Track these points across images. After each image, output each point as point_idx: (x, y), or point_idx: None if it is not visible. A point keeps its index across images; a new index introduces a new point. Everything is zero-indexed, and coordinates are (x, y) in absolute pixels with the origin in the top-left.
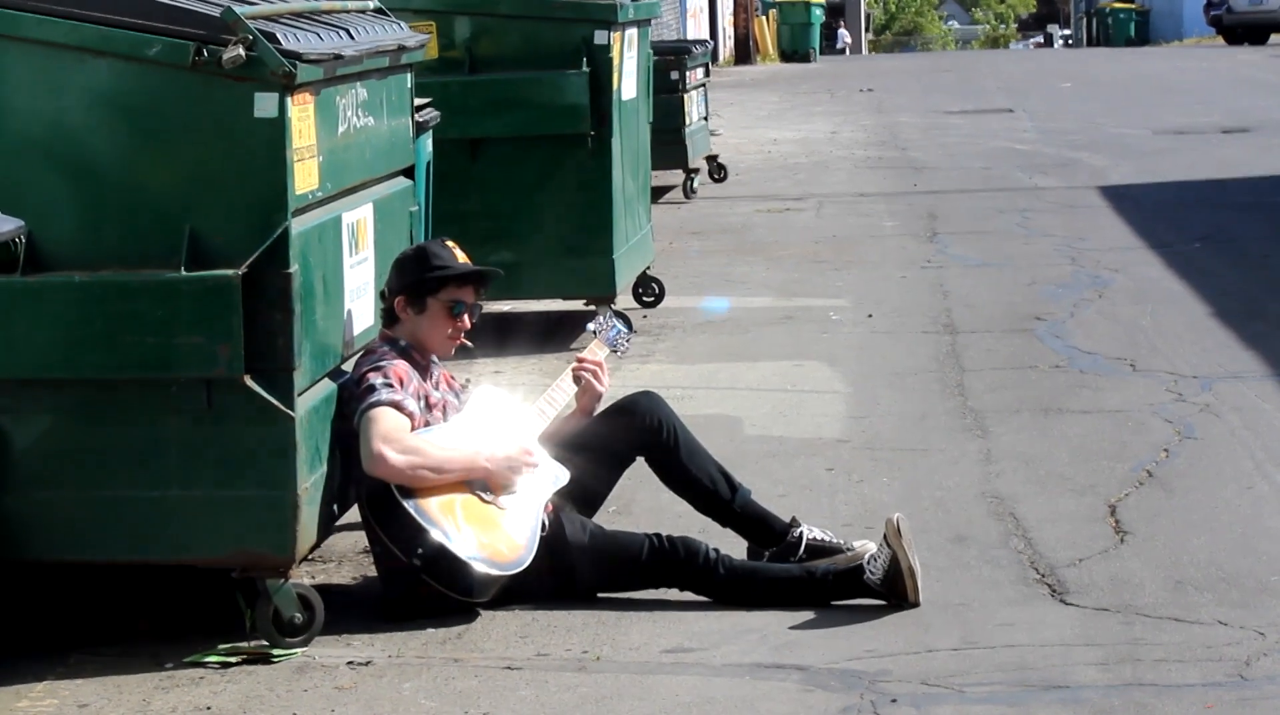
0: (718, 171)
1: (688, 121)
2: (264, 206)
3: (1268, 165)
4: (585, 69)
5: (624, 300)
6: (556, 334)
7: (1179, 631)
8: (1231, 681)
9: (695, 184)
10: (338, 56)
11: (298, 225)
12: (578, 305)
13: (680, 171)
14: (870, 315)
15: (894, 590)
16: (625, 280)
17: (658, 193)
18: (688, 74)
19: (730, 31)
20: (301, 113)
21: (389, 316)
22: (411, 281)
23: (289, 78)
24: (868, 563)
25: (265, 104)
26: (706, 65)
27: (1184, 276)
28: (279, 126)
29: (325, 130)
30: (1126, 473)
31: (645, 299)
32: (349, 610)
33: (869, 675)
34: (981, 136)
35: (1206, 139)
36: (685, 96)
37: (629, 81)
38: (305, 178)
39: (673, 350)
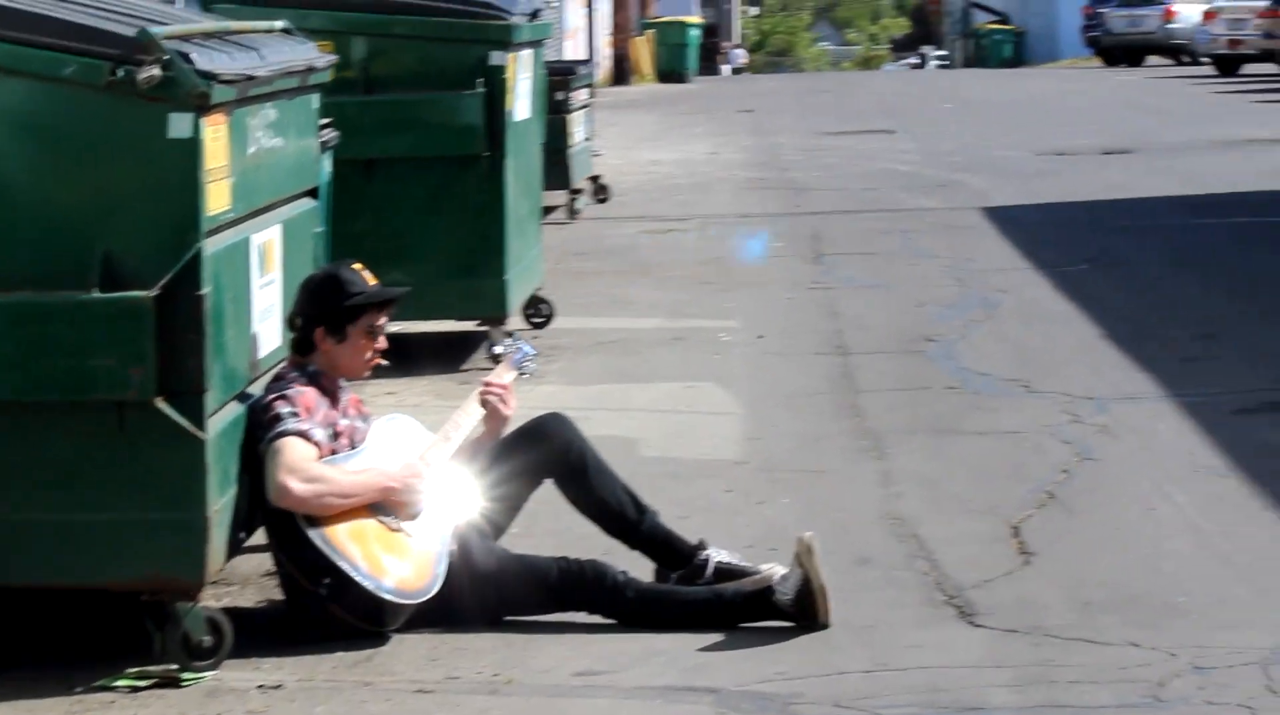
0: (600, 192)
1: (571, 142)
2: (177, 227)
3: (1151, 187)
4: (480, 90)
5: (514, 321)
6: (448, 355)
7: (1090, 653)
8: (1146, 703)
9: (579, 204)
10: (250, 77)
11: (210, 246)
12: (470, 326)
13: (564, 192)
14: (761, 336)
15: (805, 611)
16: (517, 301)
17: (541, 213)
18: (572, 94)
19: (608, 51)
20: (215, 133)
21: (303, 345)
22: (331, 311)
23: (204, 98)
24: (778, 583)
25: (180, 124)
26: (590, 86)
27: (1072, 298)
28: (193, 147)
29: (237, 151)
30: (1027, 494)
31: (535, 320)
32: (256, 634)
33: (781, 698)
34: (862, 158)
35: (1088, 160)
36: (569, 117)
37: (523, 102)
38: (218, 198)
39: (565, 371)
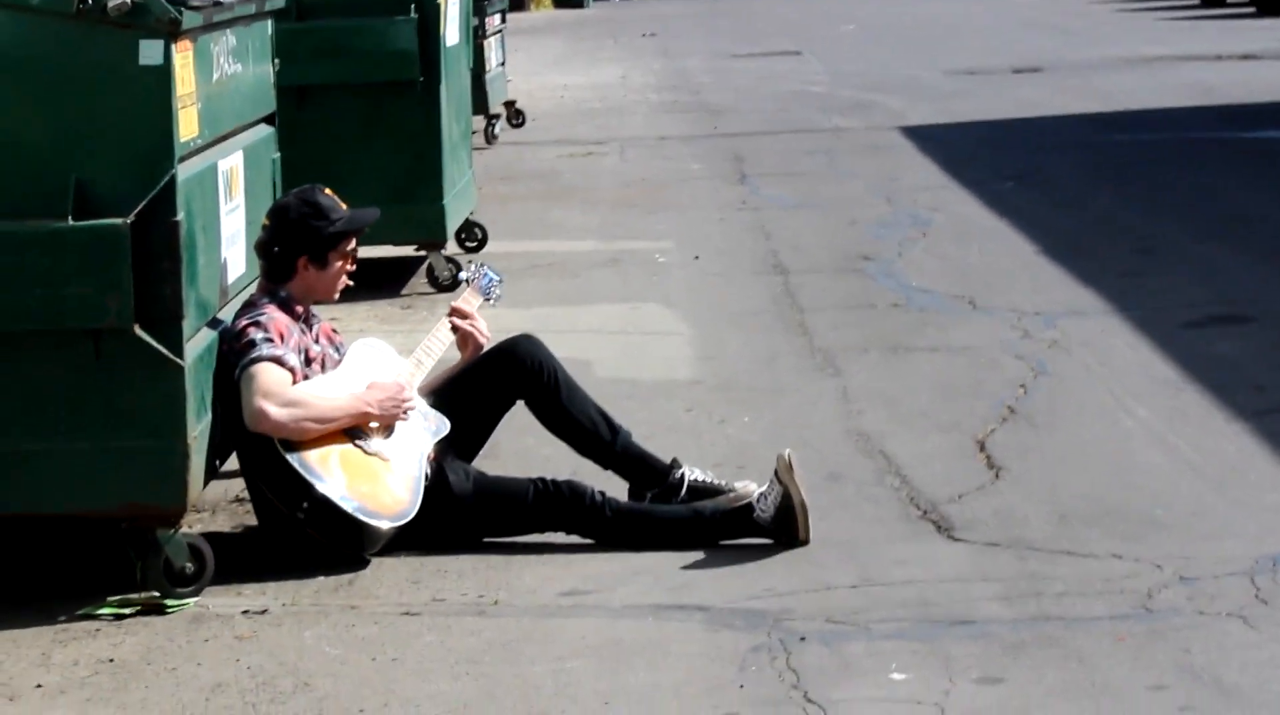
0: (516, 117)
1: (488, 67)
2: (150, 155)
3: (1064, 105)
4: (413, 15)
5: (448, 246)
6: (387, 280)
7: (1075, 565)
8: (1137, 614)
9: (496, 129)
10: (217, 3)
11: (182, 173)
12: (408, 251)
13: (481, 117)
14: (697, 257)
15: (785, 528)
16: (454, 226)
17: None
18: (487, 20)
19: None
20: (183, 59)
21: (280, 271)
22: (313, 238)
23: (174, 24)
24: (757, 501)
25: (150, 51)
26: (503, 12)
27: (1003, 215)
28: (164, 74)
29: (203, 77)
30: (988, 409)
31: (468, 244)
32: (235, 560)
33: (772, 614)
34: (772, 79)
35: (999, 79)
36: (485, 42)
37: (452, 27)
38: (188, 125)
39: (505, 295)
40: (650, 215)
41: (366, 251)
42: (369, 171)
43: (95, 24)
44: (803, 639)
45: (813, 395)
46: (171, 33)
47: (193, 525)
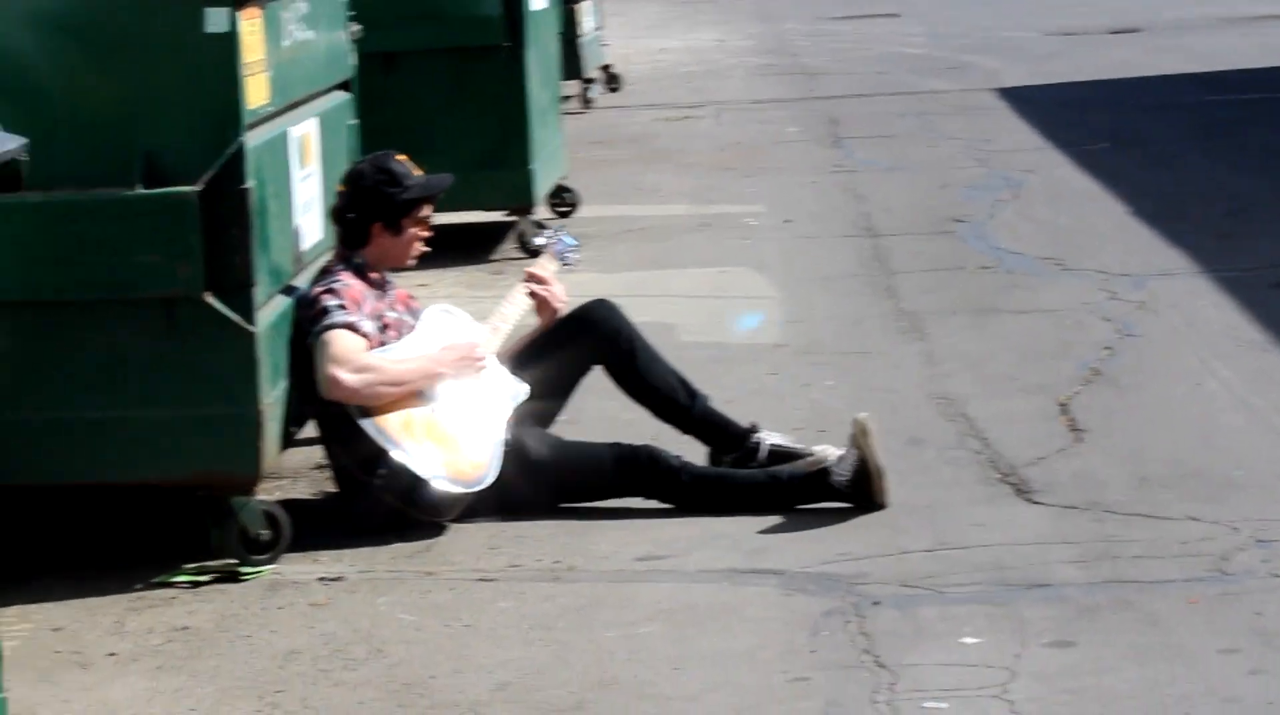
0: (612, 81)
1: (582, 31)
2: (218, 123)
3: (1161, 65)
4: None
5: (540, 211)
6: (476, 246)
7: (1151, 528)
8: (1212, 576)
9: (592, 94)
10: None
11: (251, 140)
12: (497, 216)
13: (577, 82)
14: (788, 220)
15: (862, 492)
16: (543, 190)
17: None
18: None
19: None
20: (250, 26)
21: (355, 238)
22: (387, 204)
23: None
24: (834, 465)
25: (216, 19)
26: None
27: (1097, 177)
28: (230, 41)
29: (272, 44)
30: (1073, 371)
31: (560, 209)
32: (312, 526)
33: (846, 578)
34: (870, 41)
35: (1096, 40)
36: (578, 7)
37: None
38: (257, 92)
39: (597, 260)
40: (744, 179)
41: (455, 217)
42: (456, 137)
43: None
44: (876, 603)
45: (897, 358)
46: (236, 0)
47: (273, 492)
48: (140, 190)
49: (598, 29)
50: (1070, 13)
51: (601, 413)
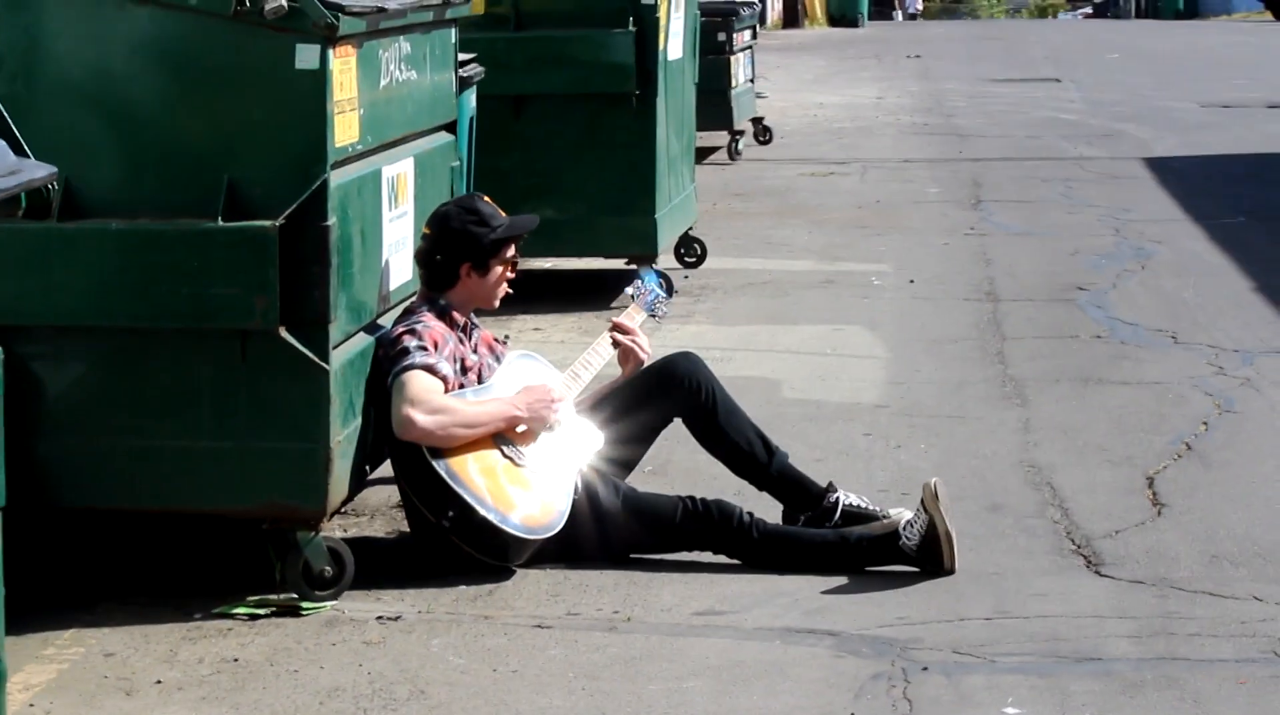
0: (763, 134)
1: (734, 83)
2: (303, 158)
3: None
4: (631, 28)
5: (666, 260)
6: (596, 292)
7: (1213, 606)
8: (1265, 658)
9: (740, 146)
10: (381, 10)
11: (337, 177)
12: (619, 264)
13: (725, 133)
14: (912, 281)
15: (930, 556)
16: (667, 240)
17: (702, 154)
18: (735, 36)
19: None
20: (343, 65)
21: (442, 279)
22: (476, 245)
23: (331, 29)
24: (904, 528)
25: (306, 55)
26: (754, 28)
27: (1227, 250)
28: (320, 78)
29: (367, 83)
30: (1165, 445)
31: (687, 259)
32: (381, 565)
33: (900, 642)
34: (1027, 106)
35: (1253, 113)
36: (732, 58)
37: (675, 41)
38: (345, 130)
39: (713, 311)
40: (876, 237)
41: (576, 263)
42: (583, 182)
43: (253, 26)
44: (925, 669)
45: (993, 424)
46: (329, 37)
47: (349, 529)
48: (220, 222)
49: (750, 81)
50: (1230, 85)
51: (690, 465)
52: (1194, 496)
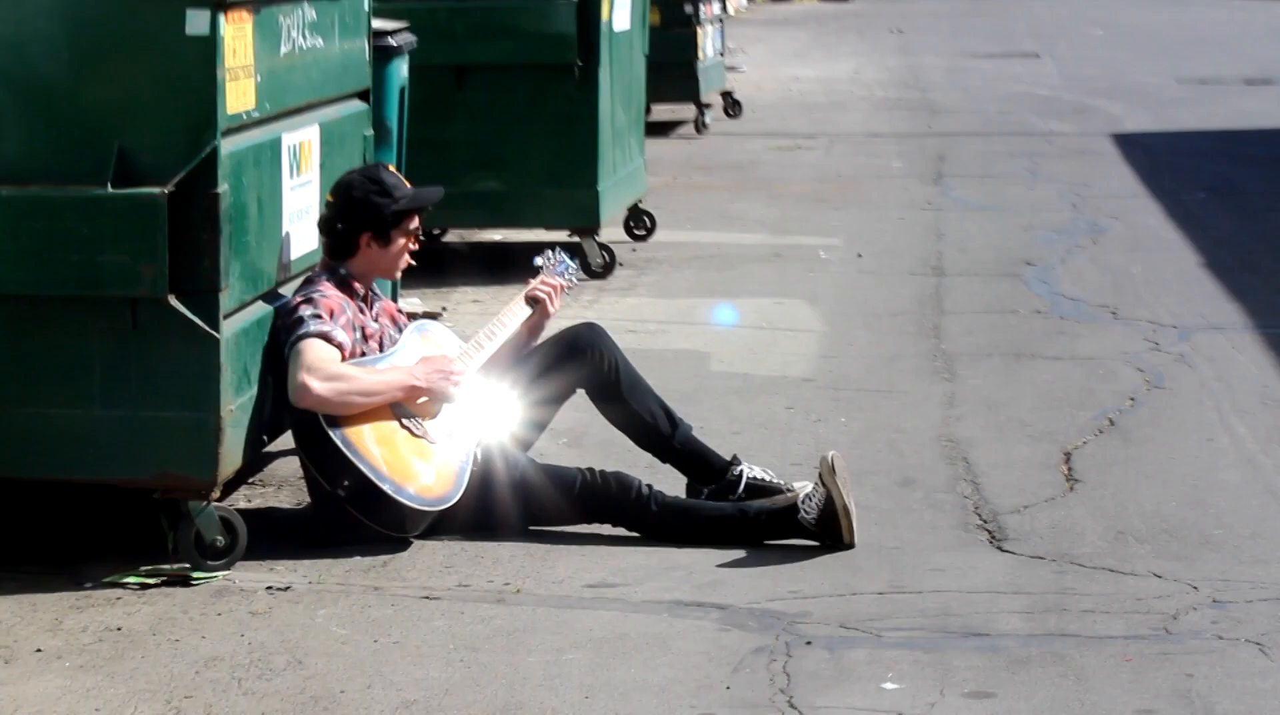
0: (733, 107)
1: (701, 56)
2: (193, 125)
3: None
4: None
5: (613, 232)
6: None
7: (1111, 582)
8: (1155, 635)
9: (708, 119)
10: None
11: (229, 145)
12: (564, 236)
13: (692, 105)
14: (860, 255)
15: (828, 531)
16: (612, 212)
17: (669, 127)
18: (702, 7)
19: None
20: (237, 30)
21: (343, 249)
22: (377, 216)
23: None
24: (802, 502)
25: (197, 21)
26: (723, 0)
27: (1182, 226)
28: (210, 44)
29: (265, 49)
30: (1088, 421)
31: (636, 232)
32: (280, 535)
33: (788, 616)
34: (1003, 80)
35: (1228, 89)
36: (699, 30)
37: (622, 13)
38: (239, 97)
39: (655, 284)
40: (833, 211)
41: (520, 234)
42: (526, 153)
43: None
44: (809, 643)
45: (918, 398)
46: (219, 3)
47: (253, 499)
48: (110, 189)
49: (720, 54)
50: (1209, 61)
51: (607, 436)
52: (1108, 472)
